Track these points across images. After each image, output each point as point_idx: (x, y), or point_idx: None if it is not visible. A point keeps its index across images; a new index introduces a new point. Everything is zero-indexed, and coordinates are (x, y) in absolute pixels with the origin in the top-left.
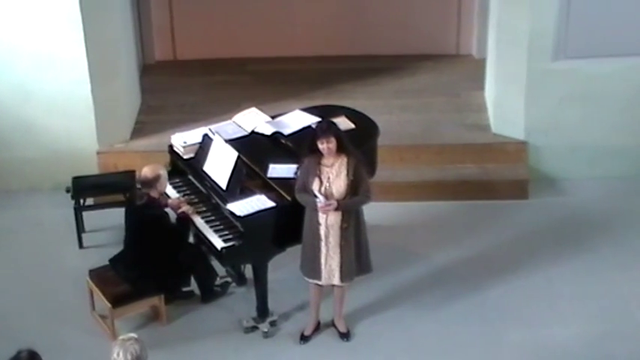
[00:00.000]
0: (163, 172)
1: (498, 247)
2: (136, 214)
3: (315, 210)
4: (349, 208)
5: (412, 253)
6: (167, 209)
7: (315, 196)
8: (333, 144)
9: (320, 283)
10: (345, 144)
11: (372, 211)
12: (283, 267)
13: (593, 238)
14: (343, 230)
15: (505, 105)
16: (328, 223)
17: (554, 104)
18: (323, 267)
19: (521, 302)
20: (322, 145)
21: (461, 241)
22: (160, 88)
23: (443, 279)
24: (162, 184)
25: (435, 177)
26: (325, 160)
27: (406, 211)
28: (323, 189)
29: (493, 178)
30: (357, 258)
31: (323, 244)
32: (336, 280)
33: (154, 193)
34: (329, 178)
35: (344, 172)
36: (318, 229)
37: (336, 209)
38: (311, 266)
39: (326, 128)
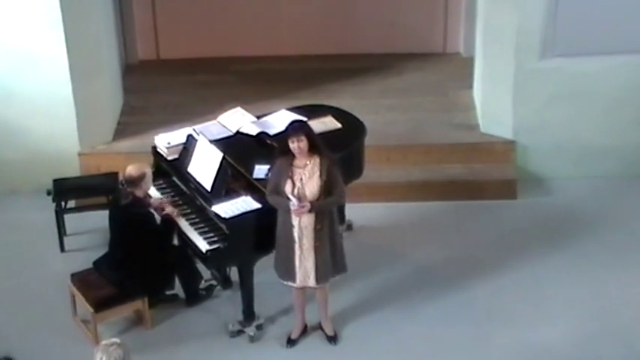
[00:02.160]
0: (148, 171)
1: (486, 248)
2: (121, 214)
3: (288, 212)
4: (323, 209)
5: (399, 253)
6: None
7: (288, 199)
8: (304, 143)
9: (294, 285)
10: (317, 143)
11: (359, 212)
12: (269, 269)
13: (581, 238)
14: (317, 231)
15: (493, 104)
16: (302, 225)
17: (542, 103)
18: (297, 269)
19: (508, 303)
20: (293, 145)
21: (448, 241)
22: (143, 88)
23: (430, 280)
24: (147, 182)
25: (422, 177)
26: (297, 161)
27: (393, 211)
28: (296, 191)
29: (481, 178)
30: (332, 258)
31: (297, 246)
32: (311, 282)
33: (139, 193)
34: (301, 179)
35: (317, 173)
36: (291, 231)
37: (310, 211)
38: (285, 268)
39: (297, 127)
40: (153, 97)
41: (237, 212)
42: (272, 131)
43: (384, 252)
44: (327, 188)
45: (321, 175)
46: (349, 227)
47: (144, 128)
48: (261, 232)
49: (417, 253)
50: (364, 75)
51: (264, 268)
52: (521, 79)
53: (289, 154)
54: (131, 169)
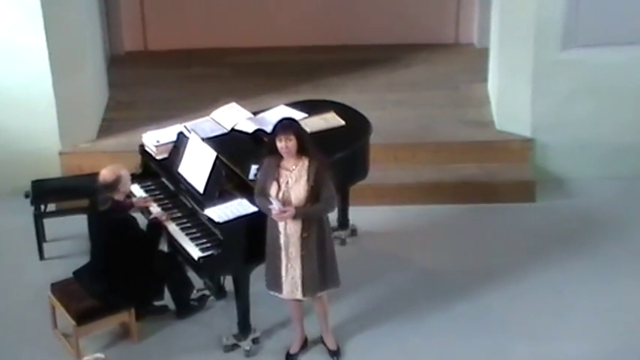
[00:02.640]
0: (124, 172)
1: (502, 255)
2: (100, 221)
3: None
4: (309, 217)
5: (407, 260)
6: (138, 214)
7: (270, 202)
8: (292, 143)
9: (281, 296)
10: (307, 144)
11: (364, 216)
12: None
13: (605, 244)
14: (304, 240)
15: (509, 99)
16: (287, 232)
17: (563, 98)
18: (284, 279)
19: (527, 314)
20: (280, 144)
21: (461, 247)
22: (129, 82)
23: (441, 289)
24: (124, 185)
25: (433, 178)
26: (285, 163)
27: (401, 215)
28: (281, 194)
29: (496, 178)
30: (320, 271)
31: (283, 254)
32: (299, 295)
33: (118, 196)
34: (287, 182)
35: (304, 177)
36: (278, 239)
37: (294, 217)
38: (272, 277)
39: (286, 125)
40: (140, 91)
41: (231, 216)
42: (269, 128)
43: (391, 259)
44: (315, 194)
45: (308, 180)
46: (353, 232)
47: (131, 125)
48: (258, 238)
49: (427, 260)
50: (369, 68)
51: (260, 277)
52: (540, 72)
53: (277, 154)
54: (104, 174)
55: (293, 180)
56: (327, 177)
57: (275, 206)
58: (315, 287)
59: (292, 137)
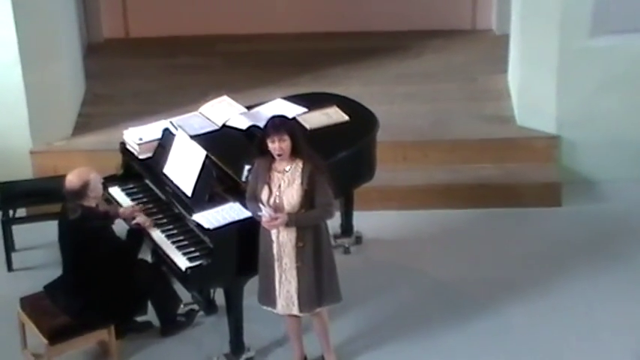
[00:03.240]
0: (93, 176)
1: (524, 265)
2: (70, 231)
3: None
4: (303, 224)
5: (418, 272)
6: (119, 220)
7: (260, 208)
8: (286, 143)
9: (275, 311)
10: (301, 145)
11: (369, 222)
12: None
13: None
14: (299, 250)
15: (532, 91)
16: (281, 240)
17: (593, 90)
18: (278, 293)
19: (552, 333)
20: (273, 145)
21: (478, 257)
22: (109, 73)
23: (456, 304)
24: (94, 190)
25: (446, 180)
26: (277, 165)
27: (411, 221)
28: (272, 200)
29: (517, 180)
30: (316, 284)
31: (277, 265)
32: (295, 310)
33: (88, 203)
34: (280, 186)
35: (298, 181)
36: (271, 248)
37: (287, 225)
38: (265, 291)
39: (279, 124)
40: (121, 83)
41: (223, 222)
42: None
43: (400, 269)
44: (310, 199)
45: (302, 183)
46: (358, 240)
47: (110, 121)
48: (253, 246)
49: (440, 271)
50: (376, 57)
51: (256, 290)
52: (567, 61)
53: (268, 155)
54: (71, 179)
55: (285, 183)
56: (323, 181)
57: (265, 213)
58: (311, 303)
59: (286, 137)
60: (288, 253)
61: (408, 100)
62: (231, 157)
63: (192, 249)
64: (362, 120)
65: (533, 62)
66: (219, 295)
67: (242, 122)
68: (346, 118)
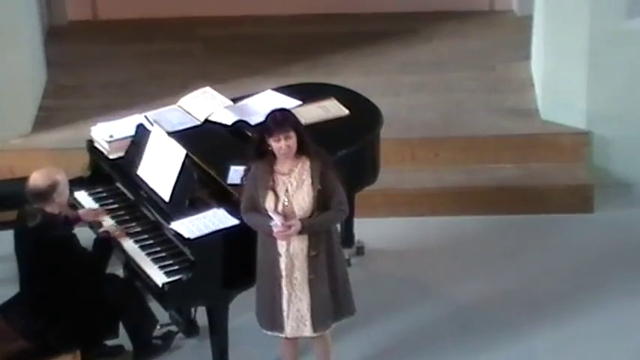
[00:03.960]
0: (61, 178)
1: (550, 281)
2: (28, 240)
3: (272, 236)
4: (318, 230)
5: (429, 288)
6: (84, 227)
7: (270, 217)
8: (292, 140)
9: (283, 335)
10: (307, 140)
11: (373, 230)
12: (250, 310)
13: None
14: (312, 260)
15: (559, 81)
16: (291, 252)
17: (628, 79)
18: (286, 314)
19: (583, 357)
20: (277, 144)
21: (497, 272)
22: (74, 61)
23: (473, 325)
24: (61, 193)
25: (460, 182)
26: (280, 166)
27: (420, 229)
28: (281, 206)
29: (542, 182)
30: (332, 296)
31: (286, 281)
32: (307, 331)
33: (51, 208)
34: (287, 190)
35: (308, 181)
36: (277, 262)
37: (300, 232)
38: (270, 314)
39: (282, 119)
40: (88, 72)
41: (205, 231)
42: (253, 119)
43: (408, 285)
44: (323, 200)
45: (313, 183)
46: (360, 251)
47: (76, 115)
48: (240, 258)
49: (454, 287)
50: (380, 42)
51: (242, 308)
52: (599, 46)
53: (268, 157)
54: (36, 178)
55: (294, 186)
56: (333, 177)
57: (278, 222)
58: (327, 318)
59: (292, 133)
60: (299, 265)
61: (416, 91)
62: (215, 156)
63: (170, 262)
64: (364, 114)
65: (560, 47)
66: (201, 315)
67: (227, 117)
68: (346, 112)
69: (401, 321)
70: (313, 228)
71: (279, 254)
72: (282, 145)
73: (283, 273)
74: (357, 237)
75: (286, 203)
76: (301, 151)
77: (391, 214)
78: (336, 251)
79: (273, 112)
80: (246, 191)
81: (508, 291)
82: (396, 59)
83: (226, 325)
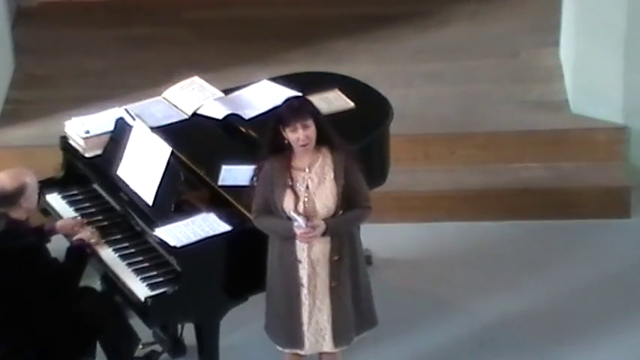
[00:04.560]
0: (30, 180)
1: (582, 295)
2: None
3: (290, 240)
4: (343, 230)
5: (446, 302)
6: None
7: (289, 218)
8: (311, 130)
9: (302, 352)
10: (328, 130)
11: (382, 237)
12: (244, 326)
13: None
14: (334, 265)
15: (592, 69)
16: (312, 257)
17: None
18: (306, 327)
19: None
20: (295, 134)
21: (522, 284)
22: (45, 47)
23: (493, 344)
24: (29, 198)
25: (480, 183)
26: (298, 161)
27: (435, 236)
28: (301, 205)
29: (573, 184)
30: (355, 306)
31: (306, 291)
32: (327, 345)
33: (17, 214)
34: (308, 187)
35: (330, 175)
36: (296, 270)
37: (324, 234)
38: (287, 328)
39: (299, 106)
40: (62, 59)
41: (193, 239)
42: (247, 113)
43: (422, 300)
44: (348, 198)
45: (336, 178)
46: (367, 261)
47: (48, 109)
48: (233, 269)
49: (474, 302)
50: (389, 27)
51: (235, 324)
52: (637, 30)
53: (282, 152)
54: (3, 179)
55: (315, 182)
56: (357, 171)
57: (302, 223)
58: (349, 332)
59: (310, 122)
60: (320, 271)
61: (430, 81)
62: (205, 154)
63: (154, 273)
64: (371, 107)
65: (594, 31)
66: (188, 332)
67: (217, 110)
68: (351, 104)
69: (412, 339)
70: (338, 228)
71: (298, 261)
72: (299, 135)
73: (304, 281)
74: (364, 245)
75: (307, 202)
76: (321, 142)
77: (402, 220)
78: (359, 255)
79: (289, 99)
80: (258, 193)
81: (534, 307)
82: (408, 45)
83: (217, 344)
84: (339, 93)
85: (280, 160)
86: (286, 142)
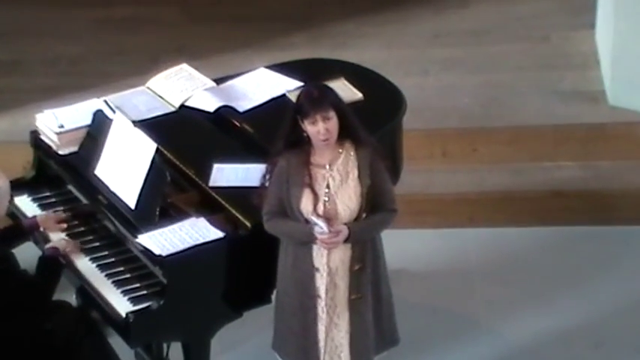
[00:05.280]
0: (3, 183)
1: (624, 312)
2: None
3: (307, 246)
4: (367, 236)
5: (466, 319)
6: (28, 245)
7: (307, 222)
8: (332, 122)
9: None
10: (353, 122)
11: (396, 245)
12: (239, 345)
13: None
14: (355, 275)
15: (633, 56)
16: (331, 266)
17: None
18: (322, 344)
19: None
20: (314, 127)
21: (554, 299)
22: (12, 30)
23: None
24: (1, 203)
25: (505, 185)
26: (318, 157)
27: (453, 244)
28: (321, 207)
29: (611, 185)
30: (376, 323)
31: (322, 304)
32: None
33: None
34: (329, 186)
35: (354, 173)
36: (313, 279)
37: (347, 240)
38: (301, 346)
39: (319, 95)
40: (31, 44)
41: (181, 246)
42: (242, 105)
43: (440, 316)
44: (373, 199)
45: (360, 177)
46: None
47: (16, 100)
48: (225, 281)
49: (499, 319)
50: (403, 7)
51: (230, 343)
52: None
53: (300, 147)
54: None
55: (337, 181)
56: (383, 170)
57: (324, 227)
58: (368, 351)
59: (332, 113)
60: (338, 282)
61: (449, 69)
62: (194, 151)
63: (137, 285)
64: (382, 98)
65: (635, 11)
66: (175, 352)
67: (208, 102)
68: (359, 95)
69: None
70: (362, 234)
71: (315, 269)
72: (320, 128)
73: (322, 293)
74: None
75: (328, 203)
76: (344, 135)
77: (417, 226)
78: (382, 264)
79: (307, 87)
80: (271, 192)
81: (567, 326)
82: (424, 28)
83: None
84: (345, 82)
85: (298, 155)
86: (305, 135)
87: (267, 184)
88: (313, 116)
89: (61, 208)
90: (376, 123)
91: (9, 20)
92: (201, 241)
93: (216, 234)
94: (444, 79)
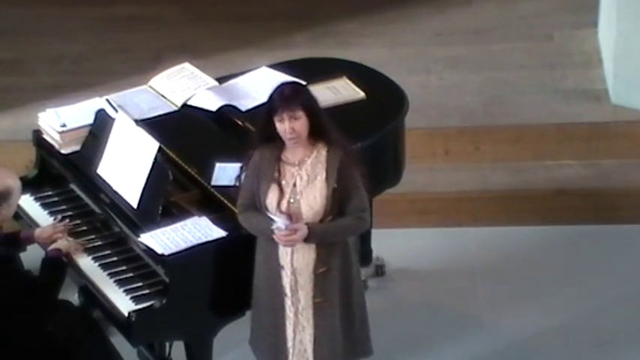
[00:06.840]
0: (14, 183)
1: (626, 310)
2: None
3: (275, 243)
4: (329, 239)
5: (468, 317)
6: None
7: (271, 218)
8: (300, 122)
9: None
10: (324, 122)
11: (397, 245)
12: (240, 344)
13: None
14: (319, 278)
15: (635, 54)
16: (295, 266)
17: None
18: (291, 344)
19: None
20: (282, 125)
21: (557, 298)
22: (15, 28)
23: None
24: (11, 204)
25: (508, 183)
26: (289, 154)
27: (456, 243)
28: (285, 204)
29: (614, 184)
30: (344, 329)
31: (289, 302)
32: None
33: None
34: (295, 184)
35: (322, 175)
36: (279, 276)
37: (307, 239)
38: (272, 343)
39: (289, 94)
40: (34, 43)
41: (183, 245)
42: (244, 104)
43: (442, 315)
44: (339, 202)
45: (327, 179)
46: (379, 271)
47: (18, 99)
48: (228, 280)
49: (501, 317)
50: (405, 5)
51: (230, 342)
52: None
53: (274, 142)
54: None
55: (304, 181)
56: (355, 175)
57: (281, 224)
58: (332, 357)
59: (300, 113)
60: (303, 283)
61: (452, 67)
62: (196, 150)
63: (139, 284)
64: (384, 97)
65: (637, 11)
66: (178, 351)
67: (211, 101)
68: (361, 94)
69: None
70: (324, 236)
71: (281, 267)
72: (286, 127)
73: (287, 291)
74: (375, 253)
75: (292, 201)
76: (318, 136)
77: (419, 225)
78: (353, 270)
79: (281, 85)
80: (244, 185)
81: (569, 325)
82: (427, 27)
83: None
84: (348, 81)
85: (272, 150)
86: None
87: (242, 177)
88: (281, 114)
89: (63, 207)
90: (379, 122)
91: (11, 19)
92: (204, 240)
93: (218, 233)
94: (447, 77)
